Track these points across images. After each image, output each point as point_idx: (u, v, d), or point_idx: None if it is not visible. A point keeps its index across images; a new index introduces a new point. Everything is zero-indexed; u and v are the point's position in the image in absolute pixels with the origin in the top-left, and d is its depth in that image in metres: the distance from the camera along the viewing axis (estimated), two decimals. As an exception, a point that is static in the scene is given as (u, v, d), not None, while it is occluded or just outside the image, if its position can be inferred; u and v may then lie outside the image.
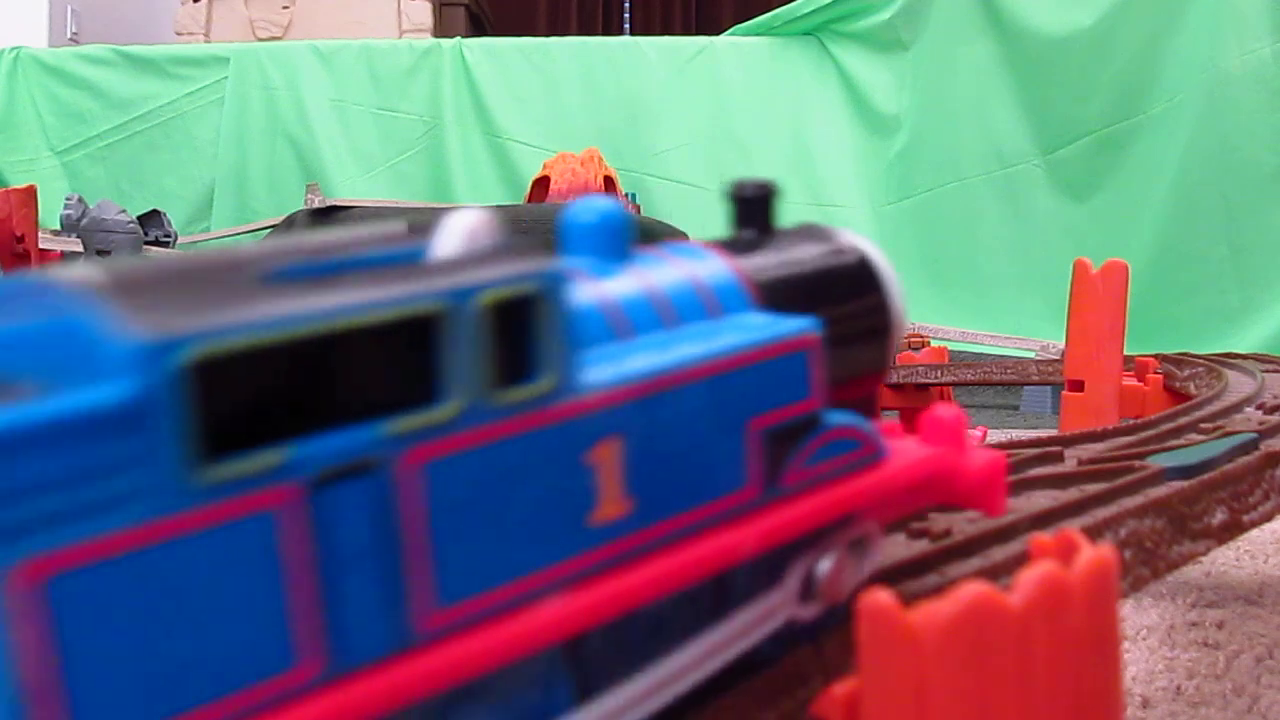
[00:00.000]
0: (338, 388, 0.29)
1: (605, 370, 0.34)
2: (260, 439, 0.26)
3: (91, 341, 0.25)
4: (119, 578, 0.24)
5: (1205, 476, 0.67)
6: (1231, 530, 0.67)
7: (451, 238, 0.31)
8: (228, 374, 0.26)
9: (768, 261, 0.44)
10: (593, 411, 0.33)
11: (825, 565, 0.41)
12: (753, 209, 0.47)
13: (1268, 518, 0.69)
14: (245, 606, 0.26)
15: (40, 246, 2.32)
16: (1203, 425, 0.81)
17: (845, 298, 0.46)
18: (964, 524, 0.57)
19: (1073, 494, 0.63)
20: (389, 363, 0.29)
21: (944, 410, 0.44)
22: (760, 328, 0.39)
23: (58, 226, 2.42)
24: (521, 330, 0.31)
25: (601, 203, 0.40)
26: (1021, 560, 0.44)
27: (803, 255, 0.46)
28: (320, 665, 0.28)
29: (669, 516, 0.35)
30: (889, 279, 0.47)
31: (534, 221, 1.86)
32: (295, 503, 0.27)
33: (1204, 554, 0.64)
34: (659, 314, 0.39)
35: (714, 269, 0.43)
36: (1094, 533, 0.59)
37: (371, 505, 0.28)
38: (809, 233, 0.48)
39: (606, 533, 0.33)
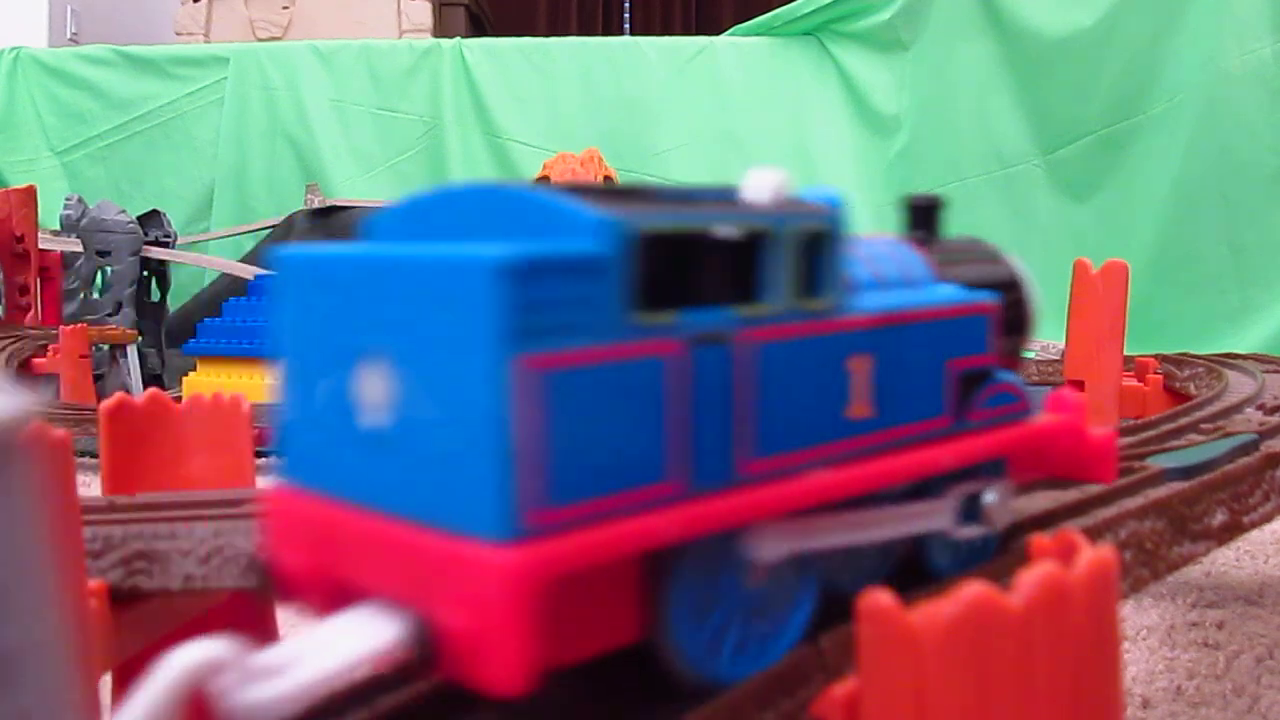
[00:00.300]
0: (698, 279, 0.39)
1: (860, 301, 0.44)
2: (658, 305, 0.37)
3: (571, 217, 0.36)
4: (581, 381, 0.34)
5: (1205, 477, 0.67)
6: (1232, 531, 0.67)
7: (759, 189, 0.41)
8: (647, 250, 0.36)
9: (942, 253, 0.55)
10: (854, 330, 0.43)
11: (991, 495, 0.50)
12: (924, 215, 0.58)
13: (1268, 519, 0.69)
14: (643, 425, 0.36)
15: (40, 246, 2.32)
16: (1203, 426, 0.81)
17: (999, 290, 0.54)
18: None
19: (1073, 495, 0.63)
20: (730, 267, 0.40)
21: (1068, 393, 0.53)
22: (956, 292, 0.50)
23: (58, 226, 2.42)
24: (814, 257, 0.42)
25: (824, 189, 0.48)
26: (1022, 561, 0.44)
27: (967, 251, 0.57)
28: (680, 485, 0.37)
29: (894, 426, 0.45)
30: (1029, 284, 0.57)
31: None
32: (679, 355, 0.37)
33: (1204, 555, 0.64)
34: (875, 278, 0.49)
35: (907, 253, 0.53)
36: (1094, 534, 0.59)
37: (721, 368, 0.38)
38: (968, 240, 0.59)
39: (854, 428, 0.43)
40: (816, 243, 0.42)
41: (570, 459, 0.34)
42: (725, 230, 0.39)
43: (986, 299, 0.50)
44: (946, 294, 0.50)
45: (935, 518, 0.48)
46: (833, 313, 0.42)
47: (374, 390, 0.36)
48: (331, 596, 0.37)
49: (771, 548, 0.41)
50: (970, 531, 0.49)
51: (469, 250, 0.34)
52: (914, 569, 0.49)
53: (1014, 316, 0.56)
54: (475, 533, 0.33)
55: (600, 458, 0.35)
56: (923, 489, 0.48)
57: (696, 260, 0.39)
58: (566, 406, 0.34)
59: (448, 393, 0.34)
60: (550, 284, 0.34)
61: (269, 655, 0.32)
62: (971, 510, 0.49)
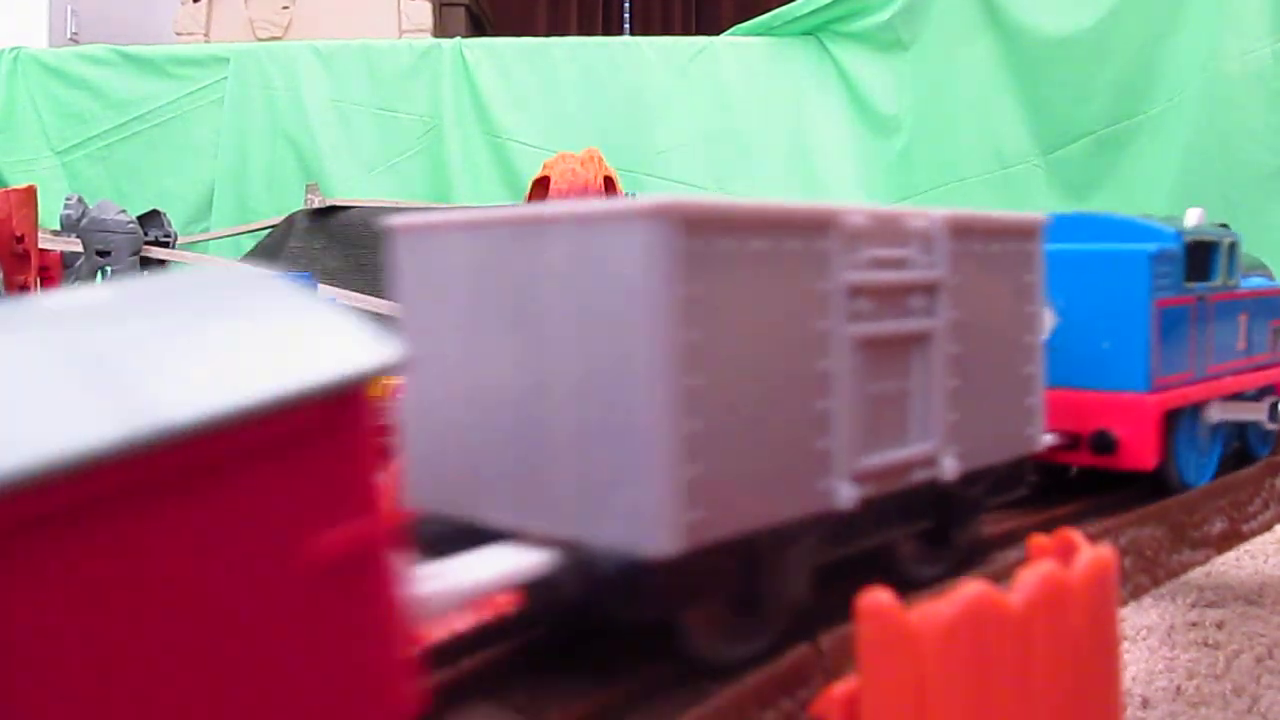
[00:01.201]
0: (1191, 267, 0.72)
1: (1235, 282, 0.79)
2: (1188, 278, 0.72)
3: (1158, 230, 0.71)
4: (1168, 314, 0.69)
5: (1205, 485, 0.67)
6: (1231, 539, 0.67)
7: (1190, 218, 0.73)
8: (1195, 250, 0.73)
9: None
10: (1243, 298, 0.78)
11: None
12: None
13: (1267, 527, 0.70)
14: (1182, 339, 0.71)
15: (40, 246, 2.32)
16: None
17: None
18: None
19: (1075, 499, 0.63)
20: (1200, 260, 0.73)
21: None
22: (1265, 281, 0.85)
23: (58, 226, 2.42)
24: (1231, 256, 0.76)
25: (1195, 211, 0.77)
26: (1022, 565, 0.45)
27: (1249, 257, 0.87)
28: (1192, 374, 0.71)
29: (1253, 355, 0.80)
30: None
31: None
32: (1195, 304, 0.71)
33: (1203, 562, 0.65)
34: None
35: None
36: (1094, 539, 0.59)
37: (1203, 313, 0.72)
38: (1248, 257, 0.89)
39: (1238, 354, 0.77)
40: (1233, 248, 0.76)
41: (1165, 352, 0.67)
42: (1209, 239, 0.72)
43: None
44: (1261, 281, 0.84)
45: (1259, 413, 0.77)
46: (1235, 287, 0.76)
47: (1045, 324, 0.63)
48: None
49: (1214, 414, 0.74)
50: (1273, 425, 0.79)
51: (1131, 246, 0.68)
52: (1240, 453, 0.80)
53: None
54: (1134, 389, 0.66)
55: (1170, 354, 0.68)
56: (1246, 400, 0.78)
57: (1191, 255, 0.70)
58: (1166, 327, 0.67)
59: (1109, 318, 0.67)
60: (1163, 263, 0.68)
61: None
62: (1272, 414, 0.80)
